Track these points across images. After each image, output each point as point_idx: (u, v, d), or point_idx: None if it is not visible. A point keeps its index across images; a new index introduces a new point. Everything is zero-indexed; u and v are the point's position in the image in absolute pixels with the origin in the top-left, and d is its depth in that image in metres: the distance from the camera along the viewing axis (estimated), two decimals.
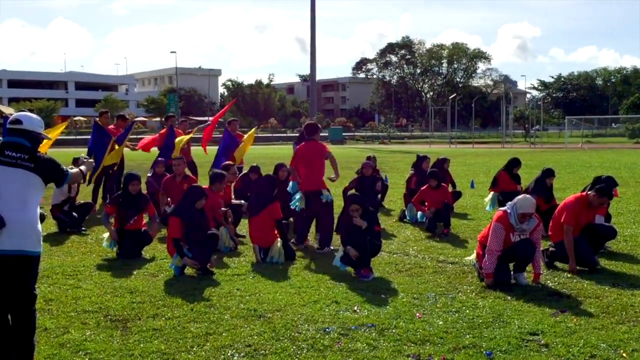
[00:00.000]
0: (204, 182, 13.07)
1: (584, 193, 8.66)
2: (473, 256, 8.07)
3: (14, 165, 4.86)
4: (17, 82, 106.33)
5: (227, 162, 12.02)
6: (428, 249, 9.76)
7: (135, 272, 8.23)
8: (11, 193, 4.80)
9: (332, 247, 9.52)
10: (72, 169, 5.40)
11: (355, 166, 17.98)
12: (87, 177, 12.36)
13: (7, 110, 33.64)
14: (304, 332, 5.91)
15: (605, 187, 8.54)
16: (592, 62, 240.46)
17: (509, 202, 7.60)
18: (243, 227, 11.07)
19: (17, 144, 4.97)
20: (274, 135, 74.94)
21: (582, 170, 24.82)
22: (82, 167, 5.59)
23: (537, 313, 6.46)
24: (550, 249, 8.53)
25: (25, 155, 4.92)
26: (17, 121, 5.07)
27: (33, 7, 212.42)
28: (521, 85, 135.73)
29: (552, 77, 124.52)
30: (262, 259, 8.84)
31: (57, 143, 13.86)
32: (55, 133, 12.90)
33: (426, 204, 11.38)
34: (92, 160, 5.89)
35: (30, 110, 16.39)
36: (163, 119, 65.86)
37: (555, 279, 7.87)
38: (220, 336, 5.79)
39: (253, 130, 16.28)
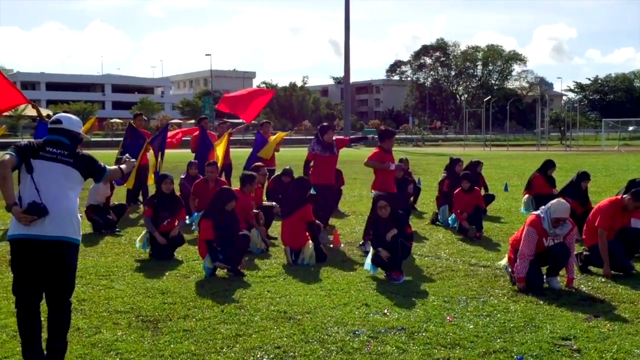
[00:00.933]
0: (236, 184, 13.19)
1: (618, 196, 8.52)
2: (505, 260, 7.98)
3: (54, 160, 5.10)
4: (55, 84, 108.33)
5: (257, 164, 12.07)
6: (460, 252, 9.69)
7: (167, 273, 8.32)
8: (52, 184, 5.01)
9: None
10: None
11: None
12: (130, 180, 12.50)
13: (46, 112, 34.21)
14: (333, 334, 5.91)
15: None
16: (630, 63, 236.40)
17: (543, 207, 7.51)
18: (274, 228, 11.12)
19: (58, 141, 5.21)
20: (307, 137, 74.98)
21: (618, 174, 24.39)
22: (122, 166, 5.73)
23: (569, 318, 6.37)
24: (584, 253, 8.41)
25: (65, 151, 5.16)
26: (58, 121, 5.31)
27: (70, 10, 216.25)
28: (557, 88, 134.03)
29: (589, 79, 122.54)
30: (293, 261, 8.87)
31: (93, 145, 14.05)
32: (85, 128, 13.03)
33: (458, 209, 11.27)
34: (133, 160, 5.98)
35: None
36: (196, 121, 66.51)
37: (589, 283, 7.76)
38: (250, 338, 5.82)
39: (284, 133, 16.28)
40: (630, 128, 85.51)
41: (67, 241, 5.04)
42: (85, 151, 5.46)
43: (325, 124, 10.92)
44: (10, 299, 6.25)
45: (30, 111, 12.97)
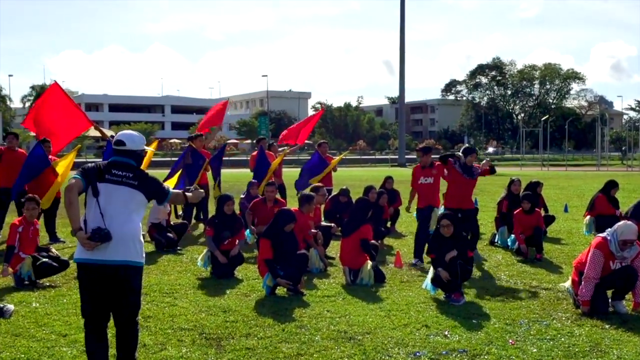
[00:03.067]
0: (293, 202, 13.30)
1: None
2: (568, 282, 7.84)
3: (119, 183, 5.18)
4: (118, 106, 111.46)
5: (316, 184, 12.17)
6: (520, 274, 9.55)
7: (228, 292, 8.44)
8: (117, 208, 5.10)
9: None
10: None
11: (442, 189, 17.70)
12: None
13: (109, 132, 35.11)
14: (394, 355, 5.91)
15: None
16: None
17: (609, 229, 7.36)
18: (332, 248, 11.17)
19: (123, 163, 5.30)
20: (362, 157, 75.12)
21: None
22: (188, 194, 5.68)
23: (637, 343, 6.22)
24: None
25: (130, 173, 5.24)
26: (120, 142, 5.36)
27: (131, 33, 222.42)
28: (617, 106, 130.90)
29: None
30: (352, 281, 8.90)
31: (153, 165, 14.36)
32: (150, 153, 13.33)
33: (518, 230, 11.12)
34: (202, 191, 5.87)
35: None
36: (255, 141, 67.35)
37: None
38: (311, 357, 5.87)
39: (341, 156, 16.45)
40: None
41: (131, 265, 5.15)
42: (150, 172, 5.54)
43: (469, 147, 10.92)
44: (79, 315, 6.45)
45: (94, 132, 13.33)
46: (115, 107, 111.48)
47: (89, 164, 5.28)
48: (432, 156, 10.67)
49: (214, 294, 8.33)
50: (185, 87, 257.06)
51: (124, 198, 5.16)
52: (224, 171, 16.27)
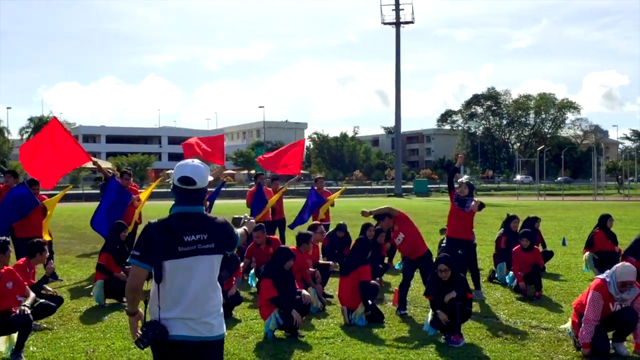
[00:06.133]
0: (291, 237, 13.26)
1: None
2: (569, 324, 7.80)
3: (194, 254, 4.10)
4: (114, 137, 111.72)
5: (314, 222, 12.14)
6: (519, 313, 9.50)
7: (225, 333, 8.35)
8: (192, 288, 4.11)
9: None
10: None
11: (441, 220, 17.77)
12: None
13: (105, 164, 35.08)
14: None
15: None
16: None
17: (608, 270, 7.35)
18: (330, 285, 11.13)
19: (196, 218, 4.17)
20: (359, 187, 75.16)
21: None
22: (246, 228, 4.82)
23: None
24: None
25: (205, 234, 4.14)
26: (189, 180, 4.17)
27: (126, 65, 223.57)
28: (612, 135, 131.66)
29: None
30: (350, 321, 8.84)
31: (151, 196, 14.28)
32: (145, 194, 13.26)
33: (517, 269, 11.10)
34: (253, 220, 5.10)
35: (120, 167, 16.76)
36: (252, 173, 67.28)
37: None
38: None
39: (340, 191, 16.41)
40: None
41: (219, 339, 4.26)
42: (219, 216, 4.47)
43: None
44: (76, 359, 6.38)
45: (90, 163, 13.17)
46: (112, 139, 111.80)
47: (152, 232, 4.07)
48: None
49: None
50: (181, 118, 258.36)
51: (204, 273, 4.14)
52: (220, 202, 16.23)
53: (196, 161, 4.30)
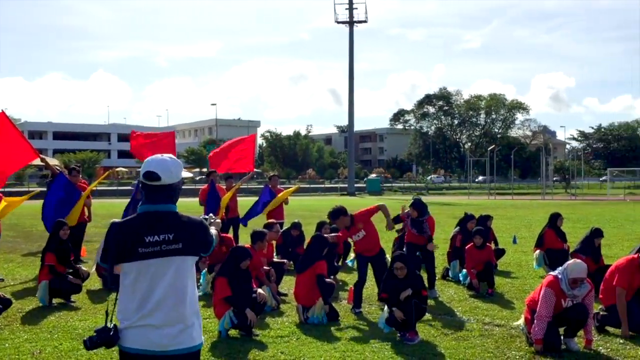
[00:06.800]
0: (245, 236, 13.12)
1: (635, 255, 8.44)
2: (521, 320, 7.87)
3: (157, 255, 3.79)
4: (62, 134, 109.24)
5: (270, 220, 12.02)
6: (473, 310, 9.57)
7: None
8: (159, 296, 3.80)
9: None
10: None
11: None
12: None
13: (52, 161, 34.28)
14: None
15: None
16: (629, 112, 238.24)
17: (560, 267, 7.45)
18: (285, 284, 11.04)
19: (159, 217, 3.85)
20: (312, 186, 75.17)
21: (626, 225, 24.31)
22: (214, 230, 4.32)
23: None
24: (601, 313, 8.30)
25: (170, 234, 3.82)
26: (153, 176, 3.85)
27: (73, 60, 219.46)
28: (560, 136, 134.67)
29: (592, 128, 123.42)
30: (306, 319, 8.77)
31: (98, 194, 13.96)
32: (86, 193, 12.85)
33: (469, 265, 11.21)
34: (219, 220, 4.79)
35: (75, 162, 16.32)
36: (204, 171, 66.72)
37: (608, 344, 7.63)
38: None
39: (294, 188, 16.35)
40: (636, 177, 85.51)
41: (188, 353, 3.88)
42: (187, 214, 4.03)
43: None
44: None
45: (37, 160, 12.73)
46: (59, 135, 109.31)
47: (112, 231, 3.83)
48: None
49: None
50: (131, 115, 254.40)
51: (170, 276, 3.80)
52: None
53: (166, 155, 3.98)
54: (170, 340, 3.78)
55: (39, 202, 12.89)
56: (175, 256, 3.80)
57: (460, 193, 67.07)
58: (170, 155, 3.99)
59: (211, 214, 4.90)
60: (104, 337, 3.78)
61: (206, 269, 10.97)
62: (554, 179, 70.13)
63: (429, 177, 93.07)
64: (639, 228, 22.52)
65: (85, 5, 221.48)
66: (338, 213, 9.52)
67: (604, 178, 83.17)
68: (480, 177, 79.32)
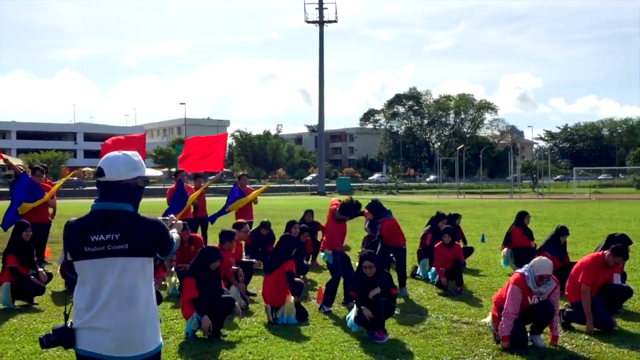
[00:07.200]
0: (213, 235, 13.01)
1: (599, 252, 8.56)
2: (489, 318, 7.92)
3: (101, 255, 3.68)
4: (26, 133, 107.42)
5: (239, 220, 11.93)
6: (442, 308, 9.61)
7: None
8: (105, 297, 3.68)
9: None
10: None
11: (363, 218, 17.83)
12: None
13: (16, 161, 33.60)
14: None
15: (620, 246, 8.44)
16: (594, 112, 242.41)
17: (526, 265, 7.50)
18: (253, 284, 10.98)
19: (103, 215, 3.75)
20: (282, 186, 75.07)
21: (592, 223, 24.66)
22: (176, 231, 4.26)
23: None
24: (567, 310, 8.39)
25: (116, 233, 3.69)
26: (99, 172, 3.78)
27: (38, 59, 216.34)
28: (528, 136, 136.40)
29: (559, 128, 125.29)
30: (274, 319, 8.71)
31: (64, 194, 13.73)
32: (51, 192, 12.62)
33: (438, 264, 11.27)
34: (180, 221, 4.65)
35: (41, 163, 15.89)
36: (172, 171, 66.18)
37: (573, 341, 7.71)
38: None
39: (264, 187, 16.27)
40: (601, 176, 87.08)
41: (144, 359, 3.77)
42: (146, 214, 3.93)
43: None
44: None
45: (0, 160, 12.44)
46: (23, 135, 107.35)
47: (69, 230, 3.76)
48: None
49: None
50: (98, 115, 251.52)
51: (116, 277, 3.68)
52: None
53: (125, 152, 3.88)
54: (120, 344, 3.67)
55: (3, 203, 12.66)
56: (120, 257, 3.68)
57: (429, 192, 67.49)
58: (129, 153, 3.89)
59: (172, 215, 4.76)
60: (61, 337, 3.69)
61: (173, 268, 10.86)
62: (509, 177, 71.21)
63: (373, 177, 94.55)
64: (604, 226, 22.85)
65: (51, 2, 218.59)
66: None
67: (557, 177, 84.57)
68: (432, 177, 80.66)
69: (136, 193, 3.85)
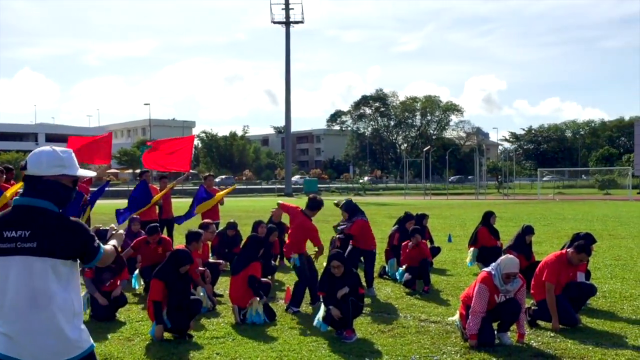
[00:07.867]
0: (179, 237, 12.89)
1: (563, 251, 8.66)
2: (456, 316, 7.96)
3: (11, 253, 3.48)
4: None
5: (206, 221, 11.81)
6: (410, 307, 9.63)
7: (109, 336, 7.97)
8: (12, 299, 3.49)
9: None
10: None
11: (332, 219, 17.90)
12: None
13: None
14: None
15: (582, 244, 8.54)
16: (557, 114, 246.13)
17: (493, 263, 7.55)
18: (220, 285, 10.89)
19: (19, 211, 3.56)
20: (248, 187, 74.79)
21: (556, 223, 25.02)
22: (115, 243, 4.10)
23: None
24: (533, 308, 8.47)
25: (27, 230, 3.49)
26: (24, 165, 3.64)
27: None
28: (493, 137, 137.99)
29: (523, 130, 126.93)
30: (242, 320, 8.64)
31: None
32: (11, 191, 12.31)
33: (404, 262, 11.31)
34: (122, 232, 4.51)
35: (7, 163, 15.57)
36: (137, 172, 65.52)
37: (539, 338, 7.79)
38: None
39: (230, 188, 16.18)
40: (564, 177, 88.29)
41: None
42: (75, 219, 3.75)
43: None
44: None
45: None
46: None
47: None
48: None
49: (94, 339, 7.77)
50: (60, 115, 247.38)
51: (25, 278, 3.46)
52: (102, 202, 15.57)
53: (55, 148, 3.67)
54: (36, 354, 3.46)
55: None
56: (29, 256, 3.46)
57: (396, 193, 67.85)
58: (60, 149, 3.69)
59: (112, 225, 4.62)
60: None
61: (137, 270, 10.70)
62: (450, 179, 71.85)
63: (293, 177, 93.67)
64: (567, 226, 23.20)
65: (10, 1, 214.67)
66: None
67: (524, 178, 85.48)
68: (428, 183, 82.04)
69: (59, 191, 3.63)
